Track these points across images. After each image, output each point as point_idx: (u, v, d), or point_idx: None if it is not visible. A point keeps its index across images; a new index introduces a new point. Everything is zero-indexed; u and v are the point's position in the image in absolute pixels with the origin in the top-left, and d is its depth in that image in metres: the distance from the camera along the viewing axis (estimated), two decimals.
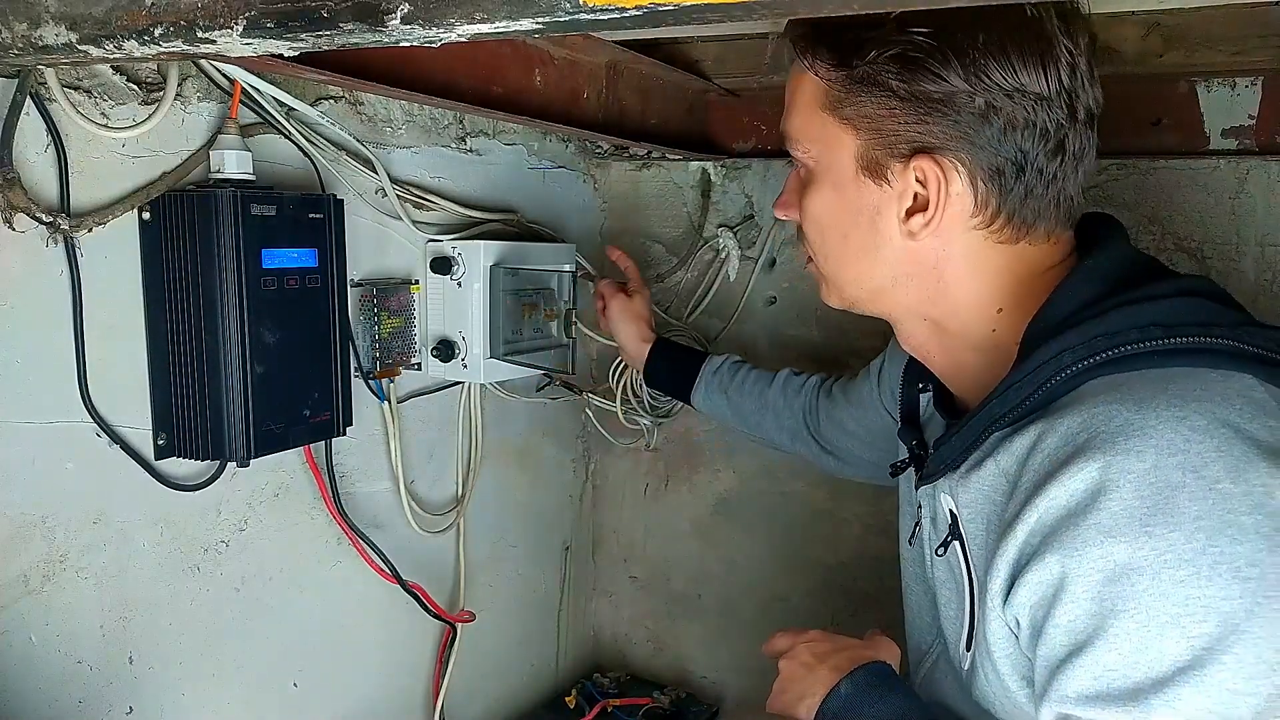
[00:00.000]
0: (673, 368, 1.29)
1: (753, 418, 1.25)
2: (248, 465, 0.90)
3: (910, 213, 0.70)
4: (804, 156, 0.76)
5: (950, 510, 0.74)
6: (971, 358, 0.75)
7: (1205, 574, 0.55)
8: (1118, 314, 0.65)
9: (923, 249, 0.72)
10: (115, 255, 0.86)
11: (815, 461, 1.22)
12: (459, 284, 1.17)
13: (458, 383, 1.28)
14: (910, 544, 0.88)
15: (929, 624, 0.86)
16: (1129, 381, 0.63)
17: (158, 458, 0.91)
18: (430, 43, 0.54)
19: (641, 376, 1.33)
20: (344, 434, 1.01)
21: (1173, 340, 0.63)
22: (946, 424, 0.81)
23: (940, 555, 0.76)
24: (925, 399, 0.87)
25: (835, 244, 0.76)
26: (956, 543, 0.74)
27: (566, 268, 1.26)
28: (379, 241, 1.12)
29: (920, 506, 0.83)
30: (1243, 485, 0.56)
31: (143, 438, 0.90)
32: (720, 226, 1.47)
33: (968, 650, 0.74)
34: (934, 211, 0.69)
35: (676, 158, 1.49)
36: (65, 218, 0.80)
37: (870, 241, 0.73)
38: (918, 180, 0.69)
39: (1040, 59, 0.66)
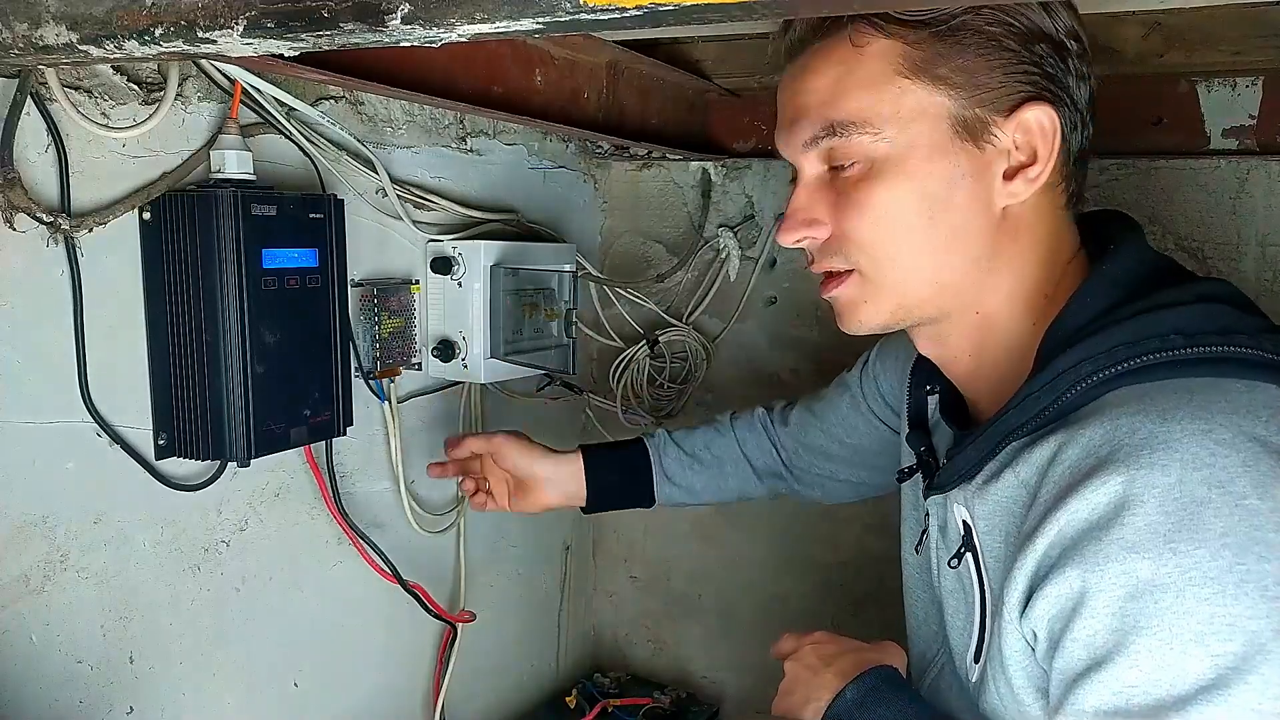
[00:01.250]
0: (620, 476, 1.12)
1: (731, 481, 1.14)
2: (248, 465, 0.90)
3: (1011, 173, 0.68)
4: (873, 142, 0.68)
5: (964, 521, 0.73)
6: (1002, 358, 0.73)
7: (1231, 592, 0.54)
8: (1138, 322, 0.64)
9: (1011, 219, 0.69)
10: (116, 255, 0.86)
11: (798, 496, 1.14)
12: (459, 284, 1.17)
13: (458, 383, 1.28)
14: (916, 552, 0.87)
15: (935, 633, 0.85)
16: (1151, 392, 0.62)
17: (158, 458, 0.91)
18: (430, 43, 0.54)
19: (583, 508, 1.13)
20: (344, 434, 1.01)
21: (1194, 349, 0.62)
22: (956, 434, 0.79)
23: (953, 567, 0.75)
24: (933, 402, 0.86)
25: (918, 234, 0.69)
26: (970, 555, 0.73)
27: (567, 268, 1.26)
28: (379, 241, 1.13)
29: (928, 515, 0.81)
30: (1270, 501, 0.55)
31: (143, 438, 0.90)
32: (720, 226, 1.47)
33: (976, 662, 0.73)
34: (1044, 165, 0.67)
35: (677, 158, 1.49)
36: (66, 218, 0.81)
37: (962, 219, 0.68)
38: (1018, 135, 0.67)
39: (1070, 8, 0.68)
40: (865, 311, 0.73)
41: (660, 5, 0.46)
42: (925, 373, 0.85)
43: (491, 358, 1.19)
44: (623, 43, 1.17)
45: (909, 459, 0.88)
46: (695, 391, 1.53)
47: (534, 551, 1.51)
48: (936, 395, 0.85)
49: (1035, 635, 0.64)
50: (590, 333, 1.49)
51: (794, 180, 0.78)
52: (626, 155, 1.52)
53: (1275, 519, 0.55)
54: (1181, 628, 0.55)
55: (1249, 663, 0.53)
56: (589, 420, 1.58)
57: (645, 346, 1.47)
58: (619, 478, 1.13)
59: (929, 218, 0.68)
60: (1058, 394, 0.65)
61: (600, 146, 1.50)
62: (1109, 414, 0.61)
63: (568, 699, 1.52)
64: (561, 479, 1.12)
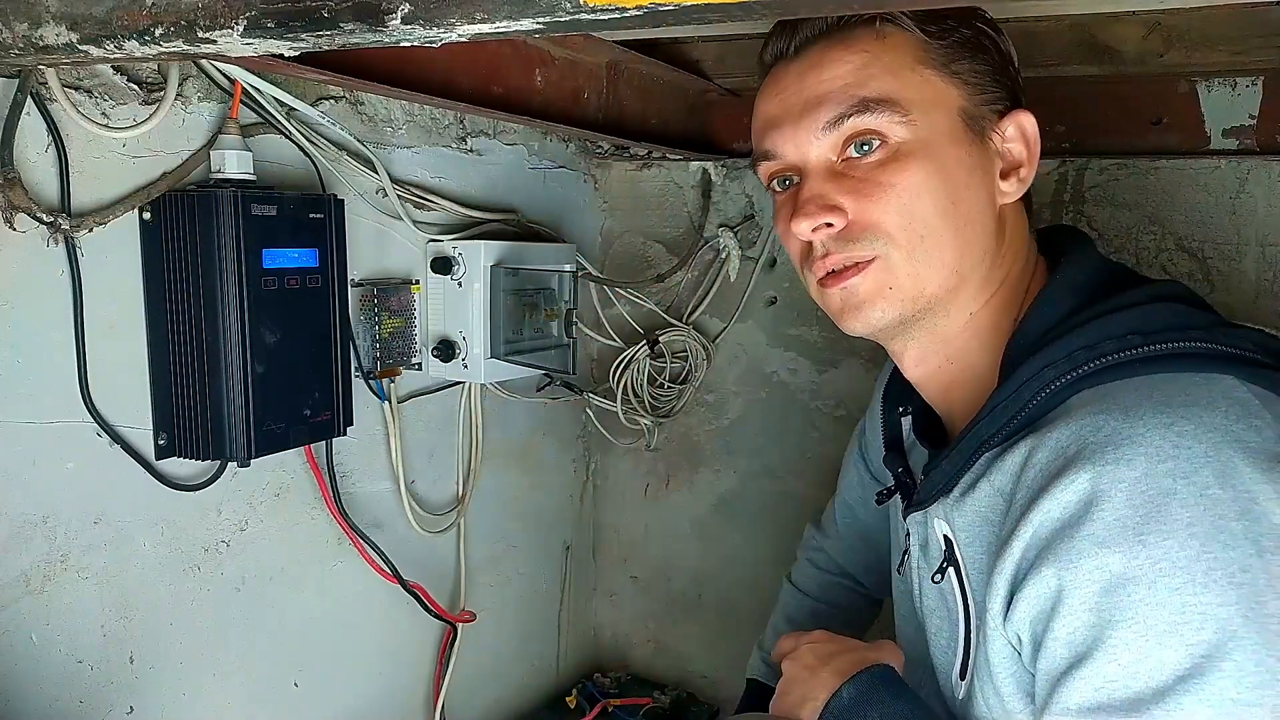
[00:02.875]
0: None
1: (860, 606, 1.15)
2: (248, 465, 0.90)
3: (1005, 173, 0.72)
4: (901, 123, 0.68)
5: (945, 535, 0.74)
6: (976, 364, 0.74)
7: (1200, 581, 0.55)
8: (1095, 325, 0.66)
9: (1002, 219, 0.73)
10: (116, 255, 0.86)
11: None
12: (459, 284, 1.17)
13: (458, 383, 1.28)
14: (899, 573, 0.87)
15: (920, 654, 0.84)
16: (1114, 391, 0.63)
17: (158, 457, 0.91)
18: (430, 43, 0.54)
19: None
20: (344, 434, 1.01)
21: (1151, 347, 0.64)
22: (931, 453, 0.80)
23: (936, 582, 0.76)
24: (907, 424, 0.87)
25: (943, 214, 0.69)
26: (952, 569, 0.73)
27: (566, 268, 1.26)
28: (379, 241, 1.13)
29: (908, 534, 0.82)
30: (1230, 490, 0.56)
31: (143, 437, 0.90)
32: (720, 226, 1.47)
33: (962, 679, 0.73)
34: (1031, 168, 0.72)
35: (677, 158, 1.49)
36: (66, 218, 0.81)
37: (976, 208, 0.70)
38: (1005, 140, 0.72)
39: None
40: (883, 303, 0.71)
41: (660, 5, 0.46)
42: (896, 394, 0.85)
43: (491, 358, 1.19)
44: (623, 43, 1.17)
45: (888, 480, 0.88)
46: (695, 392, 1.53)
47: (534, 551, 1.51)
48: (909, 416, 0.85)
49: (1019, 639, 0.65)
50: (590, 333, 1.49)
51: (778, 186, 0.76)
52: (626, 155, 1.52)
53: (1235, 508, 0.56)
54: (1155, 619, 0.56)
55: (1222, 650, 0.54)
56: (589, 420, 1.58)
57: (645, 346, 1.47)
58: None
59: (952, 202, 0.69)
60: (1023, 402, 0.66)
61: (600, 146, 1.50)
62: (1074, 415, 0.63)
63: (568, 699, 1.52)
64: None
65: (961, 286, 0.71)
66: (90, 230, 0.83)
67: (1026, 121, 0.72)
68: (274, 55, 0.60)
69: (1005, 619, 0.65)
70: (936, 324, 0.73)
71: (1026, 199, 0.76)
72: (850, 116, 0.69)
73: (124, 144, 0.85)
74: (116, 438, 0.87)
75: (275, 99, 0.95)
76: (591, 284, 1.48)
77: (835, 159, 0.71)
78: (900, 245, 0.69)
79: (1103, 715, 0.57)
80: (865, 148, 0.70)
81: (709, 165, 1.47)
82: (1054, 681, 0.60)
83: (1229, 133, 1.18)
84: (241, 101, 0.91)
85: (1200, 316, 0.67)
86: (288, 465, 1.05)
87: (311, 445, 1.04)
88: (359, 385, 1.08)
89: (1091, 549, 0.58)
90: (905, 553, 0.83)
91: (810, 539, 1.19)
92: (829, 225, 0.70)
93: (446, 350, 1.18)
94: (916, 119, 0.68)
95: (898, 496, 0.86)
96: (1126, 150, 1.20)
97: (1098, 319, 0.66)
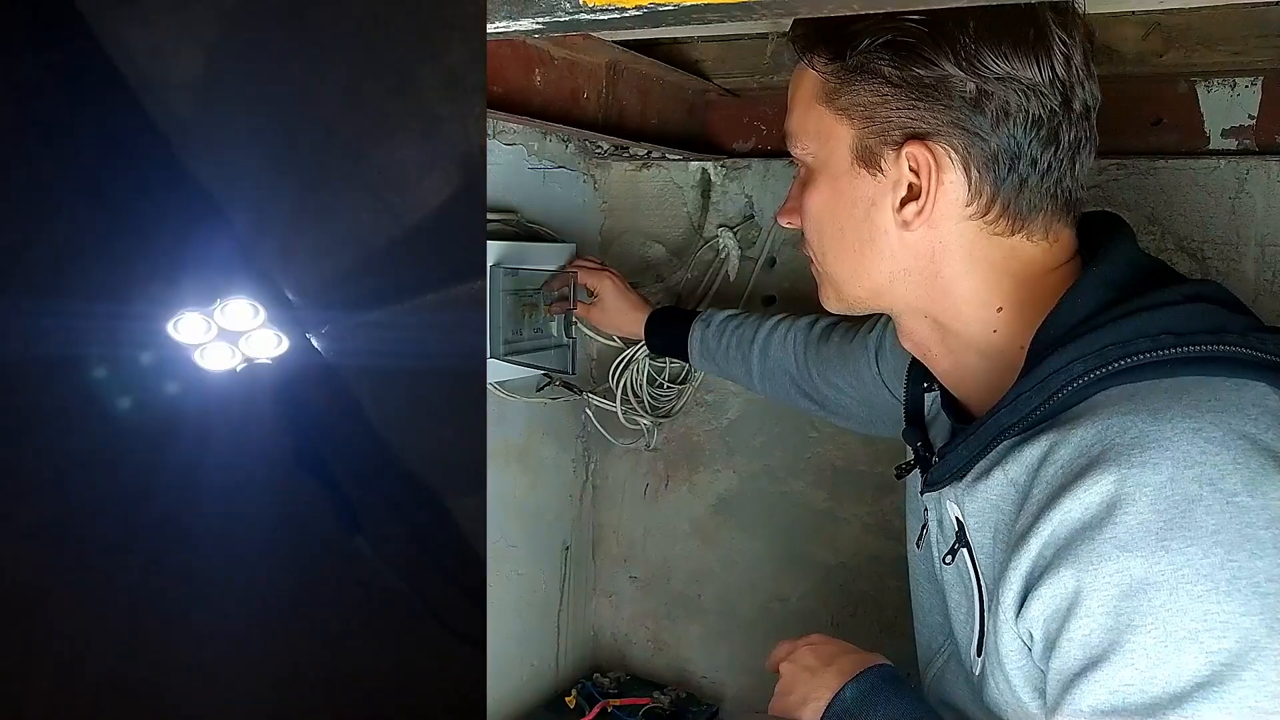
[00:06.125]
0: (668, 340, 1.30)
1: (744, 380, 1.25)
2: None
3: (904, 202, 0.70)
4: (802, 153, 0.76)
5: (956, 518, 0.74)
6: (974, 360, 0.74)
7: (1224, 589, 0.54)
8: (1128, 322, 0.65)
9: (918, 241, 0.71)
10: None
11: (810, 413, 1.22)
12: None
13: None
14: (918, 547, 0.88)
15: (940, 623, 0.85)
16: (1142, 392, 0.62)
17: None
18: None
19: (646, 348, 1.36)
20: None
21: (1185, 349, 0.63)
22: (953, 428, 0.80)
23: (947, 563, 0.76)
24: (930, 398, 0.86)
25: (833, 240, 0.75)
26: (965, 550, 0.73)
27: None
28: None
29: (927, 510, 0.82)
30: (1260, 498, 0.56)
31: None
32: (720, 226, 1.47)
33: (978, 655, 0.74)
34: (926, 199, 0.69)
35: (676, 158, 1.49)
36: None
37: (866, 234, 0.73)
38: (910, 168, 0.69)
39: (1033, 49, 0.66)
40: (823, 295, 0.81)
41: (660, 5, 0.46)
42: (922, 368, 0.85)
43: (491, 358, 1.19)
44: (622, 43, 1.17)
45: (909, 454, 0.88)
46: (695, 391, 1.53)
47: (534, 552, 1.51)
48: (934, 392, 0.85)
49: (1032, 636, 0.64)
50: (590, 333, 1.49)
51: None
52: (626, 155, 1.52)
53: (1266, 516, 0.55)
54: (1176, 625, 0.55)
55: (1243, 659, 0.53)
56: (589, 420, 1.58)
57: (645, 346, 1.47)
58: (667, 342, 1.30)
59: (838, 228, 0.75)
60: (1048, 394, 0.65)
61: (600, 146, 1.50)
62: (1100, 414, 0.62)
63: (568, 699, 1.52)
64: (633, 332, 1.32)
65: (882, 297, 0.76)
66: None
67: (917, 151, 0.68)
68: None
69: (1018, 615, 0.64)
70: (897, 318, 0.78)
71: (1020, 213, 0.70)
72: (786, 141, 0.78)
73: None
74: None
75: None
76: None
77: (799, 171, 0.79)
78: (815, 256, 0.78)
79: (1117, 719, 0.57)
80: (798, 168, 0.78)
81: (708, 165, 1.47)
82: (1067, 683, 0.60)
83: (1228, 133, 1.18)
84: None
85: (1236, 320, 0.66)
86: None
87: None
88: None
89: (1113, 552, 0.57)
90: (924, 527, 0.84)
91: (797, 336, 1.19)
92: (791, 223, 0.80)
93: None
94: (814, 150, 0.74)
95: (916, 472, 0.86)
96: (1125, 150, 1.21)
97: (1131, 315, 0.65)
